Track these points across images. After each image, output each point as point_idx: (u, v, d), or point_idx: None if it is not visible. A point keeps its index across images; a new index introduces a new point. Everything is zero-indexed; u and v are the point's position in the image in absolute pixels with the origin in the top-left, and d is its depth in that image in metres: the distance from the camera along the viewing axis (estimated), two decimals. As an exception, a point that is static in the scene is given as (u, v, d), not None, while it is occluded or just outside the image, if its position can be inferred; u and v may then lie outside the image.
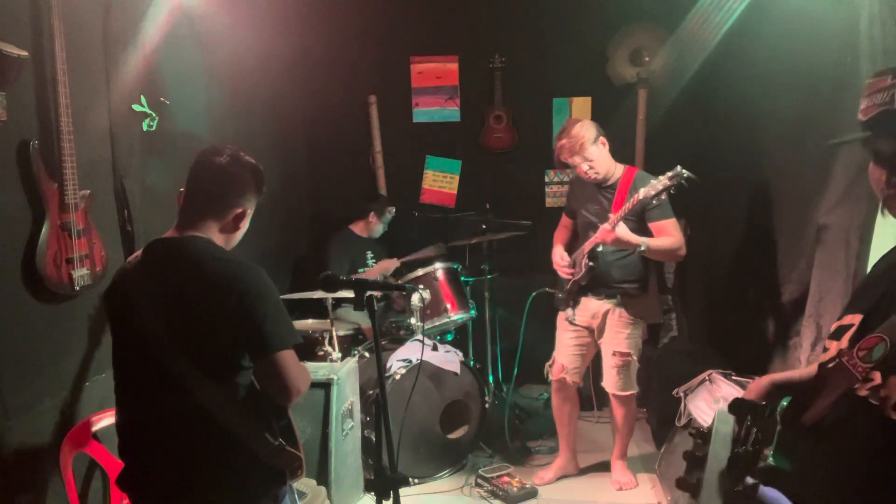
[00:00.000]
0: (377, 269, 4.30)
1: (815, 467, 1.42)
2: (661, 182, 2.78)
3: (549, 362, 3.50)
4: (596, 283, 3.19)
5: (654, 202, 2.88)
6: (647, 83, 4.57)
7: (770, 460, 1.48)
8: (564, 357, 3.40)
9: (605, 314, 3.22)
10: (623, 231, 2.90)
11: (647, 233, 3.03)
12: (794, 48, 3.18)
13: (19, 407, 2.11)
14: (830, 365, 1.40)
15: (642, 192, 2.83)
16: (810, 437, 1.41)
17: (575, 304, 3.32)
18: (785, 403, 1.53)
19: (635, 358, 3.23)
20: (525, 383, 4.63)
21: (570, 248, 3.40)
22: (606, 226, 2.93)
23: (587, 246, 3.13)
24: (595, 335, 3.30)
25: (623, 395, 3.27)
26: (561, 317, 3.40)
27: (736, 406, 1.49)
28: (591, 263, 3.12)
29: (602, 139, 3.10)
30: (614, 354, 3.21)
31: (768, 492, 1.28)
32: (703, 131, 4.52)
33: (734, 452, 1.32)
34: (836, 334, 1.47)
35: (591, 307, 3.26)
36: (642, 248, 2.94)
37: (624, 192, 3.07)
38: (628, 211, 2.92)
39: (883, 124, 1.37)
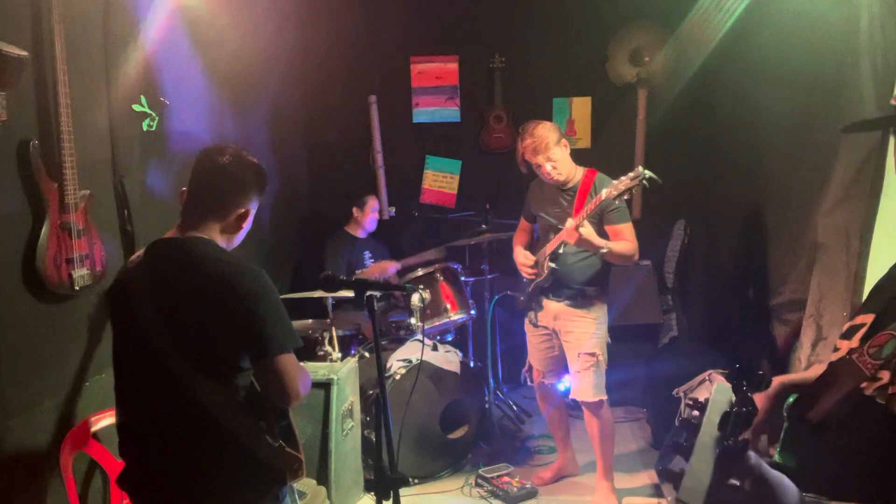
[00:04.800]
0: (375, 269, 4.28)
1: (820, 463, 1.42)
2: (623, 183, 2.73)
3: (525, 368, 3.49)
4: (557, 284, 3.16)
5: (616, 203, 2.87)
6: (647, 83, 4.58)
7: (776, 457, 1.48)
8: (538, 361, 3.39)
9: (567, 315, 3.17)
10: (588, 232, 2.87)
11: (604, 234, 3.00)
12: (794, 48, 3.18)
13: (19, 407, 2.11)
14: (840, 363, 1.40)
15: (604, 193, 2.80)
16: (816, 434, 1.41)
17: (536, 305, 3.29)
18: (791, 399, 1.52)
19: (602, 358, 3.14)
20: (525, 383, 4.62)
21: (530, 251, 3.35)
22: (571, 225, 2.87)
23: (549, 247, 3.11)
24: (559, 337, 3.25)
25: (593, 402, 3.16)
26: (526, 320, 3.38)
27: (733, 373, 1.50)
28: (553, 265, 3.08)
29: (564, 141, 3.08)
30: (580, 356, 3.13)
31: (772, 472, 1.27)
32: (703, 131, 4.53)
33: (728, 411, 1.32)
34: (848, 334, 1.47)
35: (551, 309, 3.22)
36: (604, 251, 2.92)
37: (584, 194, 3.05)
38: (590, 212, 2.90)
39: None
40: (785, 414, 1.53)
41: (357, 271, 4.33)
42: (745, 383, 1.38)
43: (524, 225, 3.45)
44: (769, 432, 1.54)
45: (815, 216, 2.82)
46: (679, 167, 4.47)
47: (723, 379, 2.94)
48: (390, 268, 4.27)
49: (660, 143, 4.59)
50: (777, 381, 1.65)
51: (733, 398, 1.40)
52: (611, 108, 4.72)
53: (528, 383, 3.53)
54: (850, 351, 1.38)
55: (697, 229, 4.53)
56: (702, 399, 1.50)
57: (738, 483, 1.21)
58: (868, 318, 1.43)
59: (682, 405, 3.08)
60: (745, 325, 3.74)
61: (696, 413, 1.48)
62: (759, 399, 1.59)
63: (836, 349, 1.50)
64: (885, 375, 1.29)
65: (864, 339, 1.40)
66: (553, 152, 3.03)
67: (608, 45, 4.64)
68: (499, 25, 4.75)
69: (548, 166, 3.05)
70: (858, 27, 2.49)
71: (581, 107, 4.80)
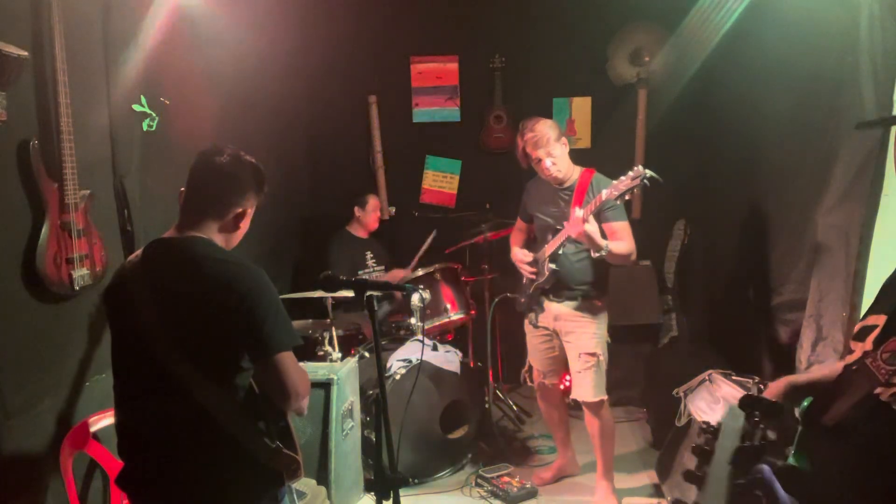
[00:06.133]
0: (387, 279, 4.27)
1: (834, 468, 1.42)
2: (624, 183, 2.72)
3: (525, 368, 3.48)
4: (557, 285, 3.15)
5: (616, 202, 2.84)
6: (647, 83, 4.58)
7: (790, 460, 1.47)
8: (538, 361, 3.38)
9: (567, 316, 3.16)
10: (593, 228, 2.84)
11: (601, 234, 2.98)
12: (794, 48, 3.18)
13: (19, 407, 2.11)
14: (855, 367, 1.39)
15: (605, 193, 2.79)
16: (830, 438, 1.41)
17: (537, 307, 3.29)
18: (806, 404, 1.52)
19: (602, 358, 3.13)
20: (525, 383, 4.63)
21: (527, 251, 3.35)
22: (579, 215, 2.83)
23: (549, 248, 3.10)
24: (559, 337, 3.24)
25: (594, 402, 3.14)
26: (526, 321, 3.38)
27: (745, 402, 1.50)
28: (553, 266, 3.08)
29: (563, 139, 3.08)
30: (580, 356, 3.12)
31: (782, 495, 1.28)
32: (703, 131, 4.53)
33: (740, 446, 1.32)
34: (860, 335, 1.46)
35: (552, 310, 3.21)
36: (603, 252, 2.90)
37: (582, 193, 3.04)
38: (591, 211, 2.87)
39: None
40: (799, 418, 1.53)
41: (359, 272, 4.32)
42: (757, 413, 1.37)
43: (521, 225, 3.45)
44: (781, 434, 1.54)
45: (815, 216, 2.82)
46: (679, 167, 4.47)
47: (722, 378, 2.94)
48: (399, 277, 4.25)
49: (660, 143, 4.58)
50: (784, 380, 1.65)
51: (745, 426, 1.39)
52: (611, 108, 4.72)
53: (528, 384, 3.53)
54: (865, 354, 1.37)
55: (697, 229, 4.52)
56: (714, 423, 1.50)
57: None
58: (881, 320, 1.43)
59: (682, 405, 3.08)
60: (745, 325, 3.73)
61: (709, 436, 1.48)
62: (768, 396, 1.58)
63: (850, 351, 1.49)
64: None
65: (877, 342, 1.39)
66: (553, 148, 3.03)
67: (608, 45, 4.64)
68: (499, 25, 4.75)
69: (547, 161, 3.05)
70: (858, 27, 2.48)
71: (581, 107, 4.80)
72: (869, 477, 1.35)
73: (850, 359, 1.46)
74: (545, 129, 3.03)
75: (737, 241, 4.00)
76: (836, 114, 2.70)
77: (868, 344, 1.41)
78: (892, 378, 1.30)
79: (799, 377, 1.67)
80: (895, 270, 1.60)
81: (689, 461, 2.23)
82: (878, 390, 1.32)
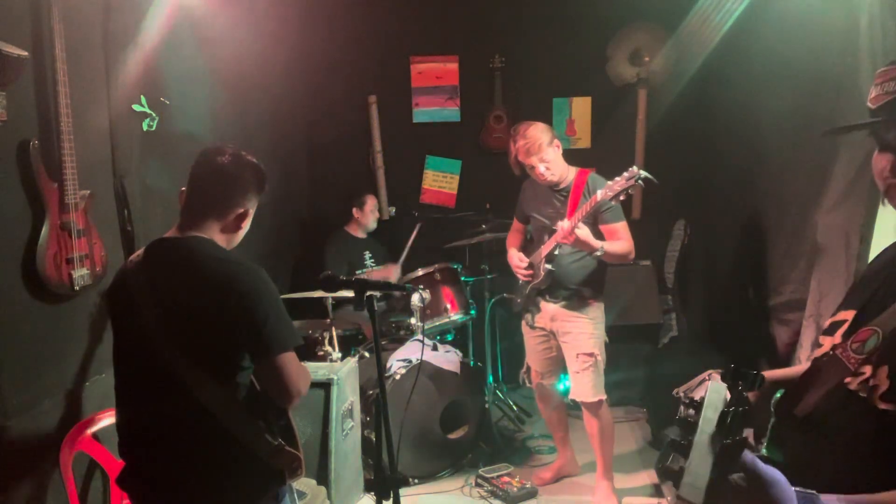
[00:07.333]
0: (378, 275, 4.26)
1: (806, 458, 1.43)
2: (619, 183, 2.71)
3: (524, 369, 3.48)
4: (553, 285, 3.15)
5: (611, 202, 2.83)
6: (647, 83, 4.58)
7: (763, 451, 1.49)
8: (536, 362, 3.38)
9: (564, 317, 3.16)
10: (584, 233, 2.85)
11: (598, 234, 2.99)
12: (794, 48, 3.18)
13: (19, 407, 2.11)
14: (824, 359, 1.41)
15: (600, 194, 2.77)
16: (802, 429, 1.43)
17: (533, 307, 3.29)
18: (778, 395, 1.54)
19: (600, 358, 3.13)
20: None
21: (524, 252, 3.34)
22: (567, 227, 2.85)
23: (545, 249, 3.10)
24: (556, 338, 3.24)
25: (592, 402, 3.14)
26: (523, 322, 3.38)
27: (728, 374, 1.52)
28: (549, 267, 3.08)
29: (556, 142, 3.07)
30: (578, 356, 3.12)
31: (766, 468, 1.29)
32: (703, 131, 4.53)
33: (724, 411, 1.34)
34: (830, 330, 1.49)
35: (549, 310, 3.21)
36: (599, 253, 2.90)
37: (578, 194, 3.04)
38: (586, 213, 2.88)
39: (892, 112, 1.39)
40: (772, 409, 1.55)
41: (357, 272, 4.32)
42: (740, 383, 1.40)
43: (517, 226, 3.45)
44: (755, 426, 1.56)
45: (815, 216, 2.82)
46: (679, 167, 4.48)
47: (719, 378, 2.94)
48: (393, 272, 4.25)
49: (660, 143, 4.59)
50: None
51: (728, 397, 1.42)
52: (611, 108, 4.72)
53: (527, 385, 3.53)
54: (834, 347, 1.40)
55: (697, 229, 4.53)
56: (697, 398, 1.53)
57: (737, 479, 1.23)
58: (849, 315, 1.45)
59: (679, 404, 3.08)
60: (745, 325, 3.74)
61: (692, 412, 1.51)
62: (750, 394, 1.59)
63: (819, 345, 1.51)
64: (868, 370, 1.31)
65: (846, 335, 1.41)
66: (546, 153, 3.03)
67: (608, 45, 4.65)
68: (499, 25, 4.75)
69: (541, 167, 3.05)
70: (858, 27, 2.49)
71: (581, 107, 4.80)
72: (840, 465, 1.36)
73: (819, 352, 1.48)
74: (537, 134, 3.02)
75: (737, 241, 4.01)
76: (836, 114, 2.70)
77: (837, 338, 1.43)
78: (861, 367, 1.32)
79: (776, 373, 1.68)
80: (867, 268, 1.62)
81: (673, 432, 2.29)
82: (847, 379, 1.34)
